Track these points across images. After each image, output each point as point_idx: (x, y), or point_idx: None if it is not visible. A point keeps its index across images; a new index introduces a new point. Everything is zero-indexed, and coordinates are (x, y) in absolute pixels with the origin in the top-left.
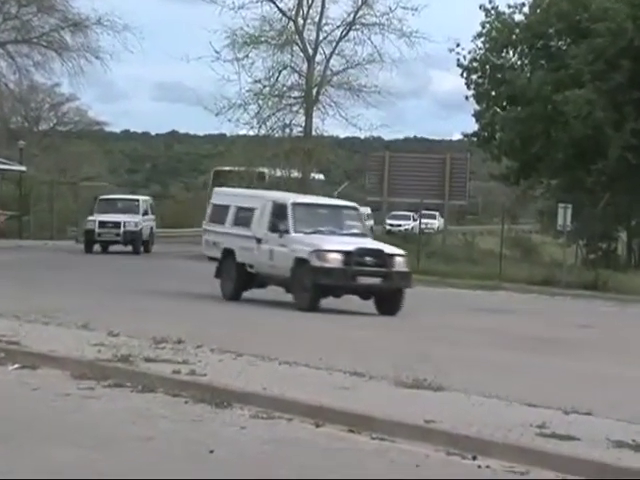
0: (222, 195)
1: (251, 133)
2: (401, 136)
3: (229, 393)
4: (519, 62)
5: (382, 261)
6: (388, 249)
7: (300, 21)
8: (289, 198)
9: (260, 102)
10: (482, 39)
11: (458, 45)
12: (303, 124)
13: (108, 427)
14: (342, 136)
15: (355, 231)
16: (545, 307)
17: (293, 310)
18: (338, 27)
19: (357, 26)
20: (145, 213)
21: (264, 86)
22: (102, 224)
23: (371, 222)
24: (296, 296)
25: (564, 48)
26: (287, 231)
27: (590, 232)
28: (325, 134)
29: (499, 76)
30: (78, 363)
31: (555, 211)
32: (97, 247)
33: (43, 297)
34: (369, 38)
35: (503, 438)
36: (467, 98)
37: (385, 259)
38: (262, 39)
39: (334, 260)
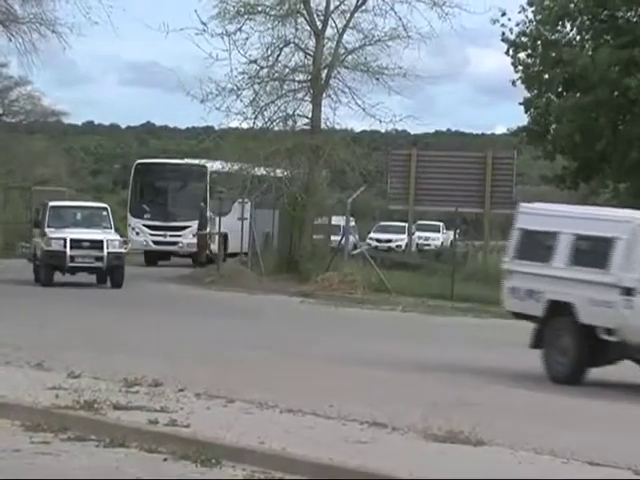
0: (539, 215)
1: (245, 125)
2: (431, 129)
3: (218, 448)
4: (578, 37)
5: None
6: None
7: None
8: None
9: (256, 87)
10: (532, 9)
11: (504, 15)
12: (309, 115)
13: None
14: (358, 129)
15: None
16: None
17: None
18: None
19: None
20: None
21: (261, 67)
22: (75, 244)
23: (356, 237)
24: None
25: (634, 20)
26: None
27: None
28: (337, 127)
29: (554, 54)
30: (31, 411)
31: None
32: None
33: None
34: (392, 8)
35: None
36: (514, 82)
37: None
38: (259, 8)
39: None
